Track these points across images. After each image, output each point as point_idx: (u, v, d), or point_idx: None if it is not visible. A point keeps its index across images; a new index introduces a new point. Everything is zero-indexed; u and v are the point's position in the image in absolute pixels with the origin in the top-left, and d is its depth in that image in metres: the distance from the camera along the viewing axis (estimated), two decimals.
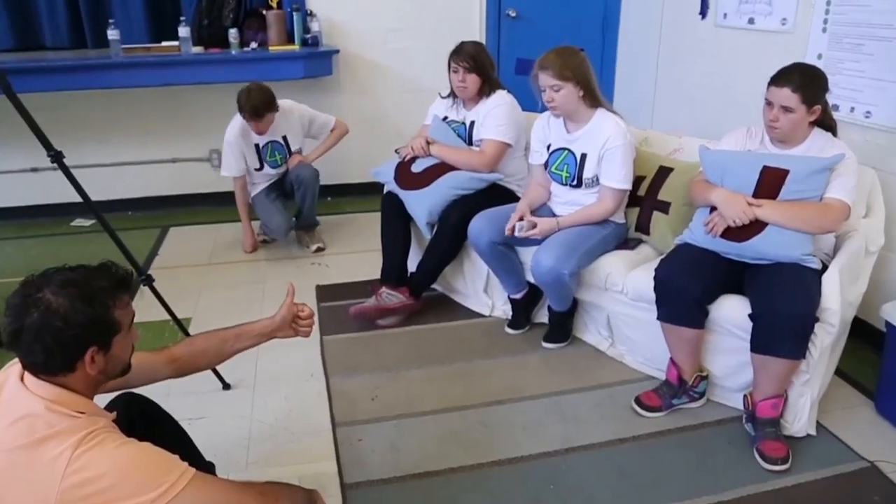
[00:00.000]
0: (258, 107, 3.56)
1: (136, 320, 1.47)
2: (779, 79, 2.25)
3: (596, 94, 2.70)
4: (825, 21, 3.03)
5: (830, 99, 2.35)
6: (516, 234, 2.73)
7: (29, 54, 4.15)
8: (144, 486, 1.25)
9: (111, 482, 1.23)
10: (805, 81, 2.21)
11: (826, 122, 2.35)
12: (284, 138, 3.83)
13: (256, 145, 3.79)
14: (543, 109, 2.79)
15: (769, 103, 2.28)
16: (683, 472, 2.19)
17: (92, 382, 1.37)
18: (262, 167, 3.85)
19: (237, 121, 3.73)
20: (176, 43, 4.06)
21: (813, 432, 2.33)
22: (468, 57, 3.03)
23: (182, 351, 1.81)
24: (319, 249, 3.99)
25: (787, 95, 2.21)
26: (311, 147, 4.02)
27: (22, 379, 1.32)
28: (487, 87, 3.11)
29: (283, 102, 3.76)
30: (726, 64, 3.77)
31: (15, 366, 1.36)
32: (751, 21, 3.51)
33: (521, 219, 2.76)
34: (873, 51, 2.81)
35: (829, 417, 2.43)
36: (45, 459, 1.22)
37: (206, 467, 1.94)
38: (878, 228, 2.49)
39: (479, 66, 3.05)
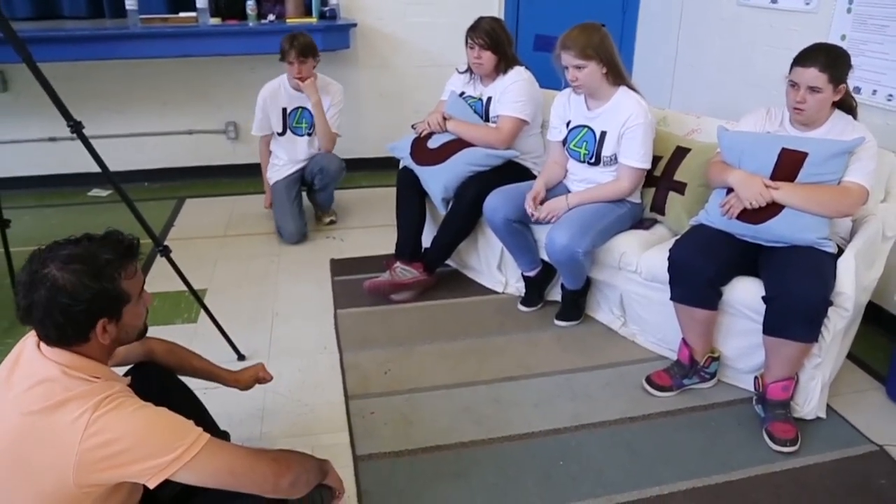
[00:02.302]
0: (305, 46, 3.56)
1: (152, 291, 1.48)
2: (804, 59, 2.21)
3: (619, 70, 2.68)
4: (850, 1, 2.98)
5: (852, 81, 2.32)
6: (532, 214, 2.75)
7: (47, 23, 4.16)
8: (160, 449, 1.28)
9: (128, 444, 1.26)
10: (831, 61, 2.18)
11: (847, 102, 2.32)
12: None
13: (284, 109, 3.78)
14: (566, 86, 2.77)
15: (794, 85, 2.25)
16: (692, 452, 2.20)
17: (106, 349, 1.40)
18: (284, 132, 3.82)
19: (273, 82, 3.76)
20: (193, 14, 4.05)
21: (823, 415, 2.34)
22: (484, 34, 3.01)
23: (160, 350, 1.86)
24: (332, 222, 4.01)
25: (814, 75, 2.18)
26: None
27: (38, 346, 1.35)
28: (504, 64, 3.09)
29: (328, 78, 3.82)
30: (747, 44, 3.72)
31: (31, 336, 1.39)
32: (773, 0, 3.46)
33: (534, 199, 2.78)
34: None
35: (840, 401, 2.43)
36: (64, 422, 1.24)
37: (220, 436, 1.98)
38: None
39: (496, 43, 3.03)
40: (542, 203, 2.80)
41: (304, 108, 3.79)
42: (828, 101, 2.24)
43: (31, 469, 1.27)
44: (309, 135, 3.83)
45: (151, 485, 1.29)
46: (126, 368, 1.76)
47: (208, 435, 1.36)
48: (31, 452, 1.26)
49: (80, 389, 1.28)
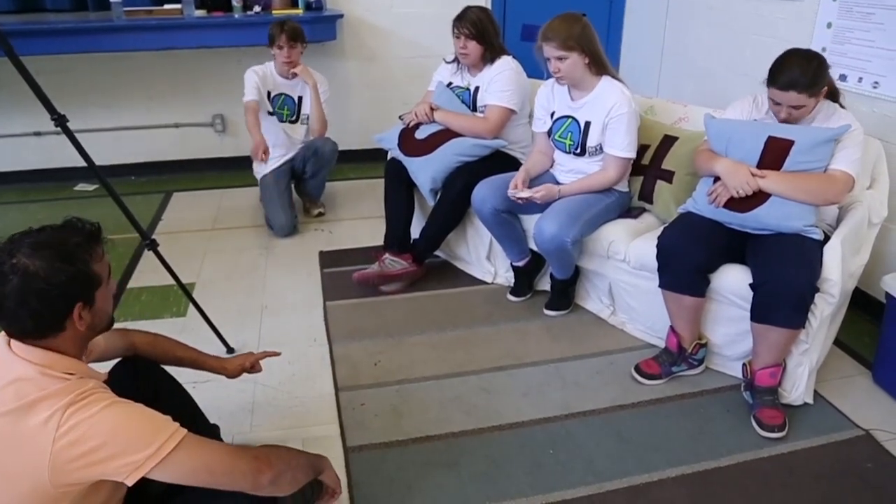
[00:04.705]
0: (294, 30, 3.56)
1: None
2: (781, 82, 2.18)
3: (602, 60, 2.67)
4: None
5: (839, 69, 2.32)
6: (510, 193, 2.74)
7: (29, 16, 4.11)
8: (136, 445, 1.25)
9: (100, 442, 1.23)
10: (809, 80, 2.15)
11: (831, 90, 2.32)
12: (300, 98, 3.80)
13: (269, 92, 3.74)
14: (549, 77, 2.77)
15: (776, 103, 2.24)
16: (681, 439, 2.22)
17: (80, 341, 1.37)
18: (272, 113, 3.78)
19: (260, 66, 3.70)
20: (178, 6, 4.02)
21: (810, 401, 2.36)
22: (470, 24, 3.00)
23: (142, 343, 1.83)
24: (320, 214, 4.01)
25: (794, 98, 2.18)
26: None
27: (9, 345, 1.31)
28: (490, 54, 3.08)
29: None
30: (734, 32, 3.72)
31: None
32: None
33: (518, 186, 2.76)
34: (883, 20, 2.78)
35: (827, 387, 2.45)
36: (36, 422, 1.22)
37: (210, 430, 1.97)
38: (882, 200, 2.48)
39: (482, 33, 3.02)
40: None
41: (286, 96, 3.77)
42: (812, 107, 2.24)
43: (5, 471, 1.24)
44: (291, 122, 3.81)
45: (129, 482, 1.27)
46: (110, 365, 1.73)
47: (185, 430, 1.33)
48: (4, 455, 1.24)
49: (53, 388, 1.25)
